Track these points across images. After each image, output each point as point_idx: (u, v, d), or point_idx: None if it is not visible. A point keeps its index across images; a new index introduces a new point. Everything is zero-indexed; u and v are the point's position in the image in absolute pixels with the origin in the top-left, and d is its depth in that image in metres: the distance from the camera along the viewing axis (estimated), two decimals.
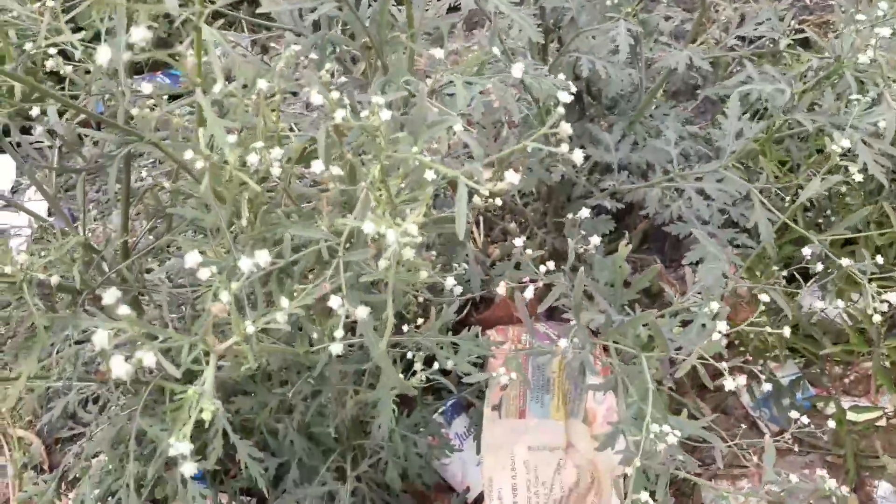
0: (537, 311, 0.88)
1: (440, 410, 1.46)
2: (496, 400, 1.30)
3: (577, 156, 0.58)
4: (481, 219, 1.73)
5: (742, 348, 1.51)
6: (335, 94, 0.58)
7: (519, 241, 0.82)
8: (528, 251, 0.84)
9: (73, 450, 1.31)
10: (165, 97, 0.77)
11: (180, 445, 0.51)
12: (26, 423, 1.62)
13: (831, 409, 1.50)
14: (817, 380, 1.59)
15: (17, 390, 0.79)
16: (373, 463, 1.25)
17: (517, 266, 1.42)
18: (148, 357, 0.48)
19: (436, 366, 1.02)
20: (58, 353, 1.42)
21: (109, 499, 1.26)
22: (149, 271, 1.27)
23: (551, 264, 0.87)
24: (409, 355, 0.93)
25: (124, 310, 0.48)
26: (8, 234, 1.05)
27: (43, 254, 0.84)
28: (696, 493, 1.56)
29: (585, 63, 1.20)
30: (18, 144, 1.10)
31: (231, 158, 0.54)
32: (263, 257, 0.51)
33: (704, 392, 1.75)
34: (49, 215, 1.99)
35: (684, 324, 1.19)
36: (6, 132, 1.07)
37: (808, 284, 1.62)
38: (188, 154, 0.55)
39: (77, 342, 1.30)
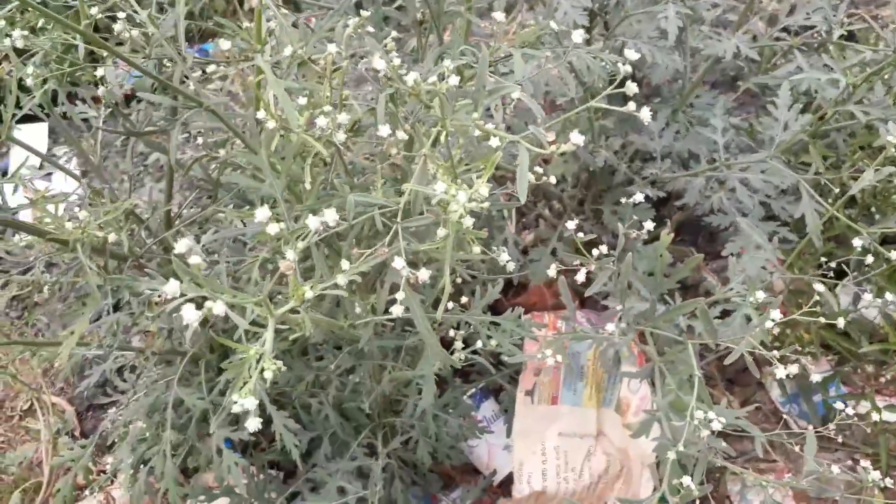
0: (585, 296, 0.87)
1: (469, 393, 1.46)
2: (529, 385, 1.31)
3: (645, 113, 0.58)
4: None
5: (777, 344, 1.50)
6: (397, 61, 0.58)
7: (571, 224, 0.82)
8: (581, 234, 0.84)
9: (107, 416, 1.33)
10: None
11: (245, 401, 0.52)
12: (58, 391, 1.65)
13: (863, 407, 1.48)
14: (849, 378, 1.58)
15: (68, 348, 0.80)
16: (403, 441, 1.26)
17: (554, 252, 1.42)
18: (218, 306, 0.48)
19: (472, 347, 1.02)
20: (94, 321, 1.44)
21: (142, 466, 1.28)
22: None
23: (604, 248, 0.86)
24: (451, 333, 0.93)
25: (195, 259, 0.48)
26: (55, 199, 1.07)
27: (90, 213, 0.85)
28: (721, 485, 1.55)
29: (632, 47, 1.19)
30: (64, 115, 1.12)
31: (301, 120, 0.54)
32: (332, 216, 0.51)
33: (733, 386, 1.74)
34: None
35: (723, 314, 1.19)
36: (54, 100, 1.08)
37: (844, 281, 1.60)
38: (260, 114, 0.55)
39: (115, 308, 1.31)
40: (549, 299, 1.45)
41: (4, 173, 2.31)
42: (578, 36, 0.61)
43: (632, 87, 0.58)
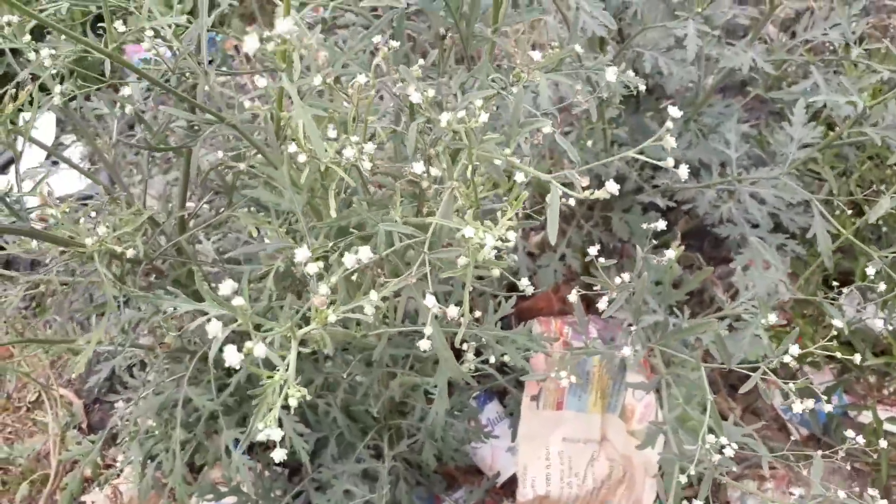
0: (602, 317, 0.88)
1: (474, 394, 1.47)
2: (535, 391, 1.32)
3: (682, 171, 0.58)
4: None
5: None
6: (431, 92, 0.58)
7: (593, 250, 0.82)
8: (602, 259, 0.84)
9: (115, 411, 1.34)
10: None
11: (271, 431, 0.53)
12: (65, 382, 1.66)
13: (865, 417, 1.50)
14: (851, 387, 1.59)
15: (86, 357, 0.81)
16: (410, 443, 1.27)
17: (562, 258, 1.43)
18: (259, 348, 0.49)
19: (482, 357, 1.02)
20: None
21: (149, 461, 1.29)
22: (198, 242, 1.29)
23: (626, 276, 0.86)
24: (464, 346, 0.94)
25: (238, 301, 0.49)
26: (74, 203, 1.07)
27: (109, 224, 0.85)
28: (721, 491, 1.57)
29: (649, 59, 1.19)
30: (81, 114, 1.12)
31: (330, 152, 0.55)
32: (366, 253, 0.52)
33: (734, 392, 1.75)
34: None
35: (730, 326, 1.19)
36: (72, 97, 1.08)
37: (848, 290, 1.60)
38: (293, 147, 0.56)
39: (125, 303, 1.31)
40: (556, 304, 1.46)
41: (9, 163, 2.30)
42: (612, 74, 0.61)
43: (670, 143, 0.58)
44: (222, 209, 1.10)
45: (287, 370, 0.61)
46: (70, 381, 1.64)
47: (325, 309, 0.63)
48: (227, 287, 0.48)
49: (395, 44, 0.62)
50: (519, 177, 0.59)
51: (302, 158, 0.56)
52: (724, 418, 1.17)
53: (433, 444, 1.26)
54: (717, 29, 1.44)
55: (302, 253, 0.53)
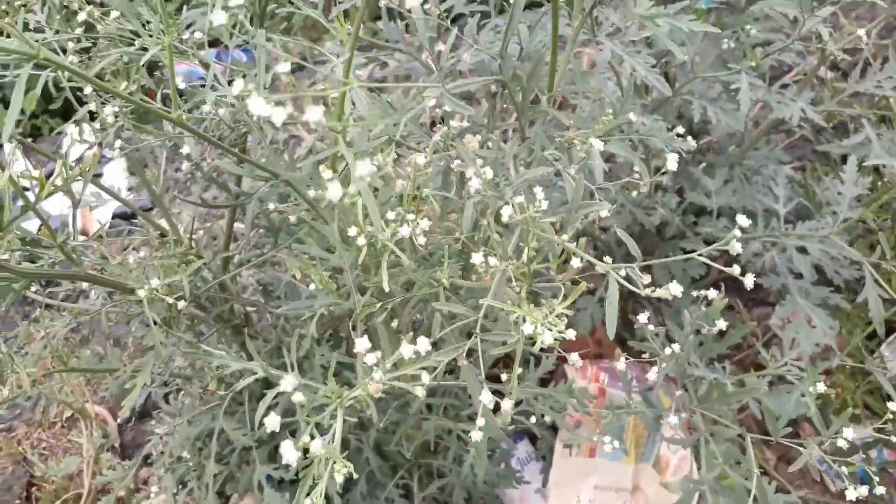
0: (648, 383, 0.87)
1: None
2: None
3: (749, 281, 0.57)
4: None
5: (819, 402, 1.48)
6: (490, 174, 0.58)
7: (643, 317, 0.82)
8: (651, 326, 0.84)
9: (150, 438, 1.35)
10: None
11: None
12: (100, 399, 1.68)
13: None
14: (892, 444, 1.55)
15: (131, 402, 0.82)
16: (442, 486, 1.26)
17: (601, 301, 1.42)
18: (315, 444, 0.49)
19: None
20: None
21: (180, 487, 1.31)
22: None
23: (676, 347, 0.85)
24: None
25: (298, 397, 0.49)
26: (121, 234, 1.08)
27: (160, 270, 0.86)
28: None
29: (697, 108, 1.18)
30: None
31: (388, 232, 0.55)
32: (424, 345, 0.52)
33: (769, 441, 1.72)
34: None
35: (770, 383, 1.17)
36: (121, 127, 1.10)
37: (890, 339, 1.57)
38: (351, 231, 0.56)
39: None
40: (592, 347, 1.45)
41: (49, 175, 2.34)
42: (673, 163, 0.61)
43: (737, 249, 0.58)
44: (267, 247, 1.10)
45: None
46: (105, 398, 1.66)
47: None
48: (288, 383, 0.48)
49: (455, 123, 0.62)
50: (575, 261, 0.59)
51: (361, 241, 0.56)
52: (762, 470, 1.15)
53: (463, 486, 1.26)
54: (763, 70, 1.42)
55: (362, 344, 0.53)
